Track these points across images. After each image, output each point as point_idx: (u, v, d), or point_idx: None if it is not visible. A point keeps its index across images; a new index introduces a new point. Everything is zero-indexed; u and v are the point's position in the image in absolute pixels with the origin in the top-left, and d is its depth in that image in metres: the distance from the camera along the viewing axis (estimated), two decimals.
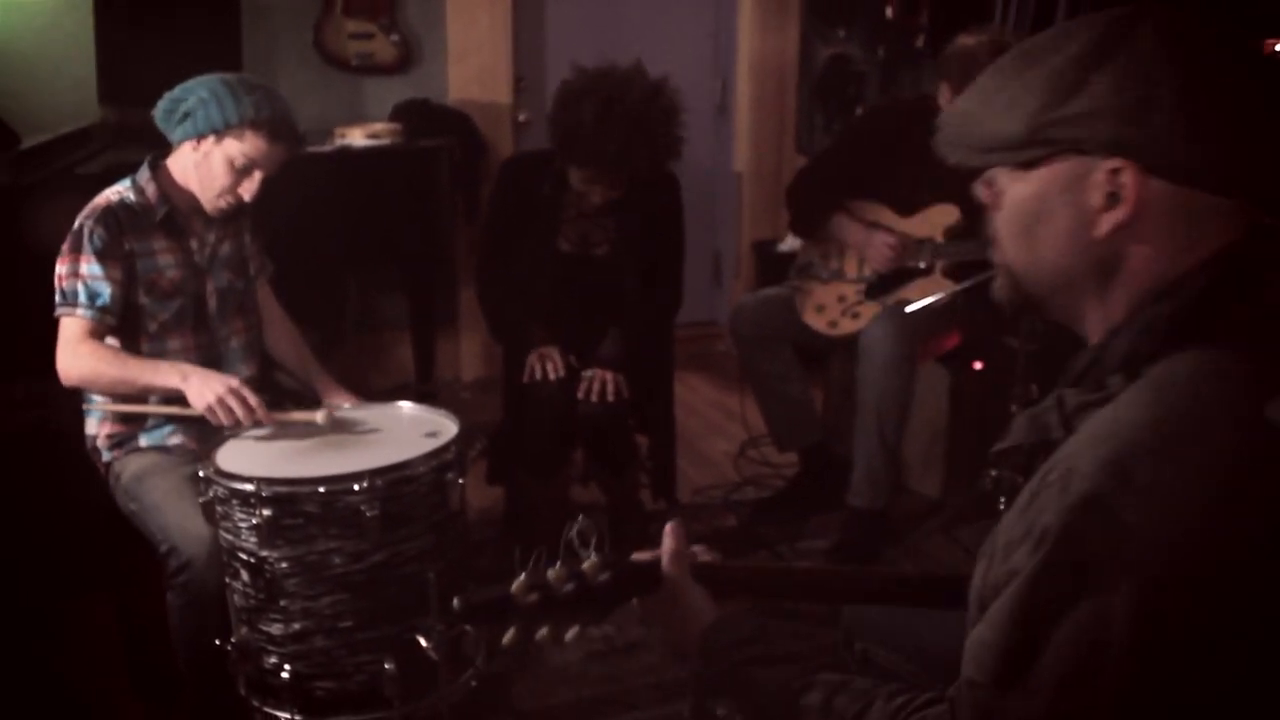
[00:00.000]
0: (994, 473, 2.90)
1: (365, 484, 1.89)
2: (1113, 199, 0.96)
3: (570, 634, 1.22)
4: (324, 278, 3.25)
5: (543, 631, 1.20)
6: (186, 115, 2.16)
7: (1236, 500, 0.87)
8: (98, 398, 2.29)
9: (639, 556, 1.28)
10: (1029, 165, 1.01)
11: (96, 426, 2.31)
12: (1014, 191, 1.04)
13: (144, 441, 2.28)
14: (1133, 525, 0.86)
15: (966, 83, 3.13)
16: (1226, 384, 0.92)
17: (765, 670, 1.18)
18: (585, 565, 1.20)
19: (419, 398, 3.88)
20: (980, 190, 1.08)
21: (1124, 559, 0.86)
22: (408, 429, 2.17)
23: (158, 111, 2.21)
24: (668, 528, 1.28)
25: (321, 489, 1.90)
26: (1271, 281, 0.96)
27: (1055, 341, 3.13)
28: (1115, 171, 0.95)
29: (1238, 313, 0.95)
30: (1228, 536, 0.86)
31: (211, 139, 2.17)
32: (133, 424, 2.29)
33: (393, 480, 1.93)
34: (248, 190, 2.22)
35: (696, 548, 1.31)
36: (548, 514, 2.97)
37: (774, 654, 1.20)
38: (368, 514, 1.90)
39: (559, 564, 1.19)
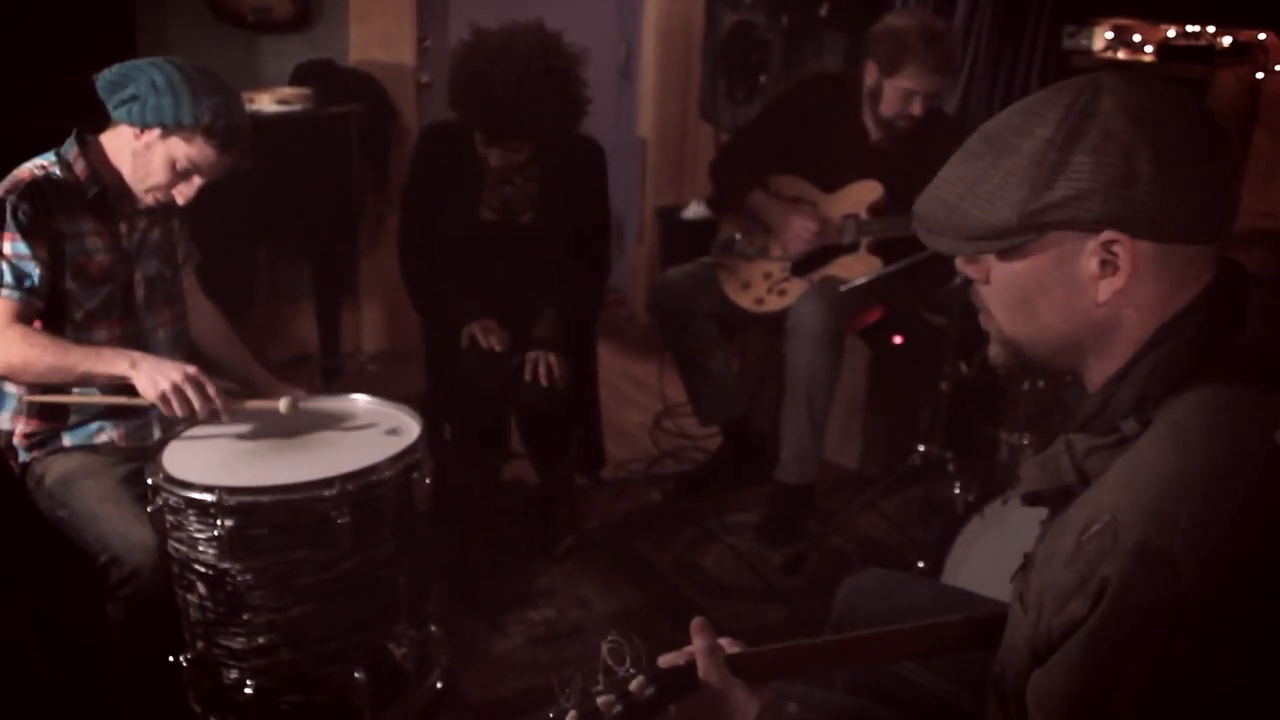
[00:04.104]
0: (921, 448, 2.96)
1: (335, 490, 1.80)
2: (1107, 266, 1.03)
3: None
4: (230, 248, 3.07)
5: None
6: (134, 98, 1.98)
7: (1271, 524, 0.94)
8: (12, 389, 2.11)
9: (668, 660, 1.24)
10: (1022, 248, 1.06)
11: (10, 422, 2.13)
12: (1004, 268, 1.09)
13: (68, 441, 2.12)
14: (1184, 564, 0.92)
15: (898, 65, 3.17)
16: (1235, 417, 1.00)
17: None
18: (632, 686, 1.17)
19: (324, 372, 3.80)
20: (964, 266, 1.14)
21: (1182, 597, 0.91)
22: (366, 425, 2.08)
23: (101, 80, 2.01)
24: (695, 626, 1.25)
25: (289, 497, 1.80)
26: (1249, 312, 1.05)
27: (972, 318, 3.22)
28: (1108, 242, 1.02)
29: (1228, 346, 1.03)
30: (1270, 558, 0.93)
31: (157, 132, 2.00)
32: (54, 421, 2.12)
33: (364, 485, 1.84)
34: (183, 193, 2.07)
35: (723, 640, 1.28)
36: (480, 494, 2.91)
37: None
38: (339, 521, 1.81)
39: (602, 688, 1.17)
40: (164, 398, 1.91)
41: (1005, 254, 1.07)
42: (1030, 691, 1.04)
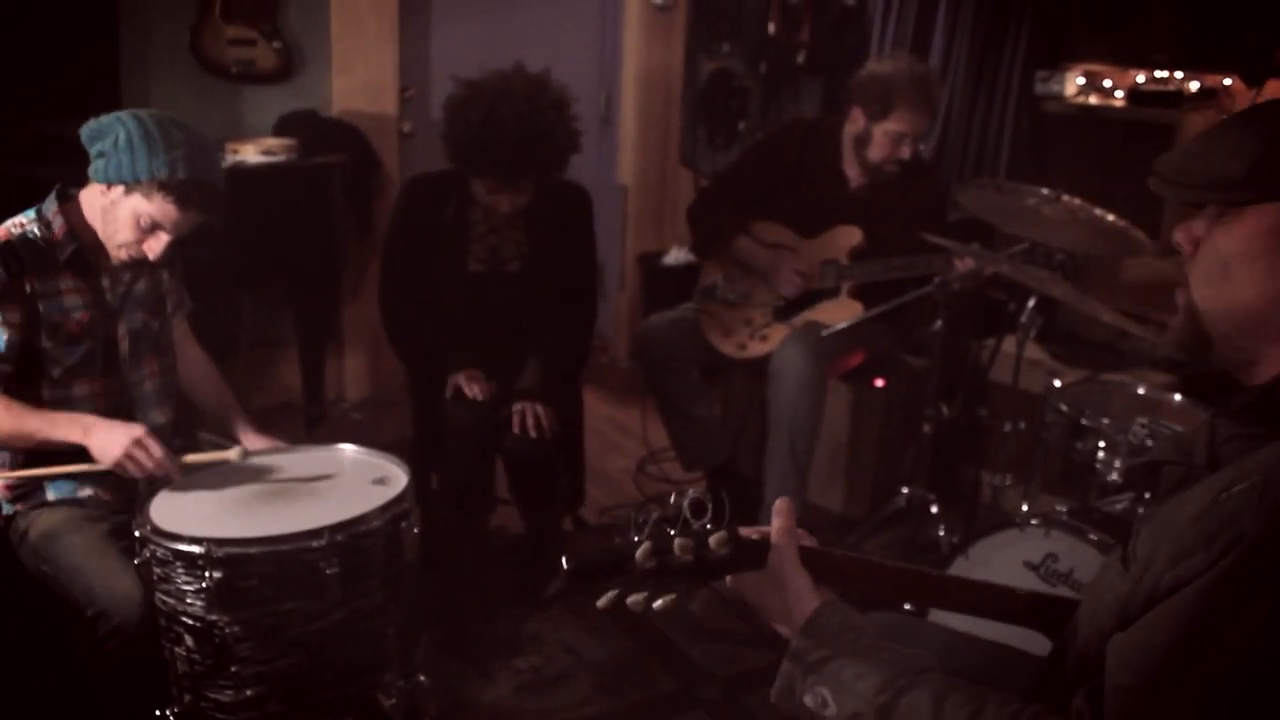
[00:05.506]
0: (905, 490, 2.98)
1: (324, 541, 1.81)
2: None
3: (662, 602, 1.17)
4: (214, 295, 3.07)
5: (637, 597, 1.17)
6: (102, 155, 1.97)
7: None
8: None
9: (745, 532, 1.23)
10: (1239, 204, 1.07)
11: None
12: (1216, 236, 1.10)
13: (52, 495, 2.11)
14: None
15: (887, 109, 3.20)
16: None
17: (868, 663, 1.17)
18: (712, 540, 1.16)
19: (307, 419, 3.79)
20: (1179, 237, 1.14)
21: None
22: (353, 475, 2.08)
23: (83, 134, 2.01)
24: (778, 504, 1.25)
25: (277, 548, 1.80)
26: None
27: (951, 361, 3.26)
28: None
29: None
30: None
31: (121, 189, 1.99)
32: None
33: (352, 535, 1.85)
34: (152, 249, 2.04)
35: (800, 530, 1.28)
36: (467, 545, 2.90)
37: (878, 645, 1.20)
38: (327, 571, 1.81)
39: (679, 533, 1.16)
40: (119, 464, 1.95)
41: (1222, 213, 1.08)
42: (1112, 649, 1.03)
